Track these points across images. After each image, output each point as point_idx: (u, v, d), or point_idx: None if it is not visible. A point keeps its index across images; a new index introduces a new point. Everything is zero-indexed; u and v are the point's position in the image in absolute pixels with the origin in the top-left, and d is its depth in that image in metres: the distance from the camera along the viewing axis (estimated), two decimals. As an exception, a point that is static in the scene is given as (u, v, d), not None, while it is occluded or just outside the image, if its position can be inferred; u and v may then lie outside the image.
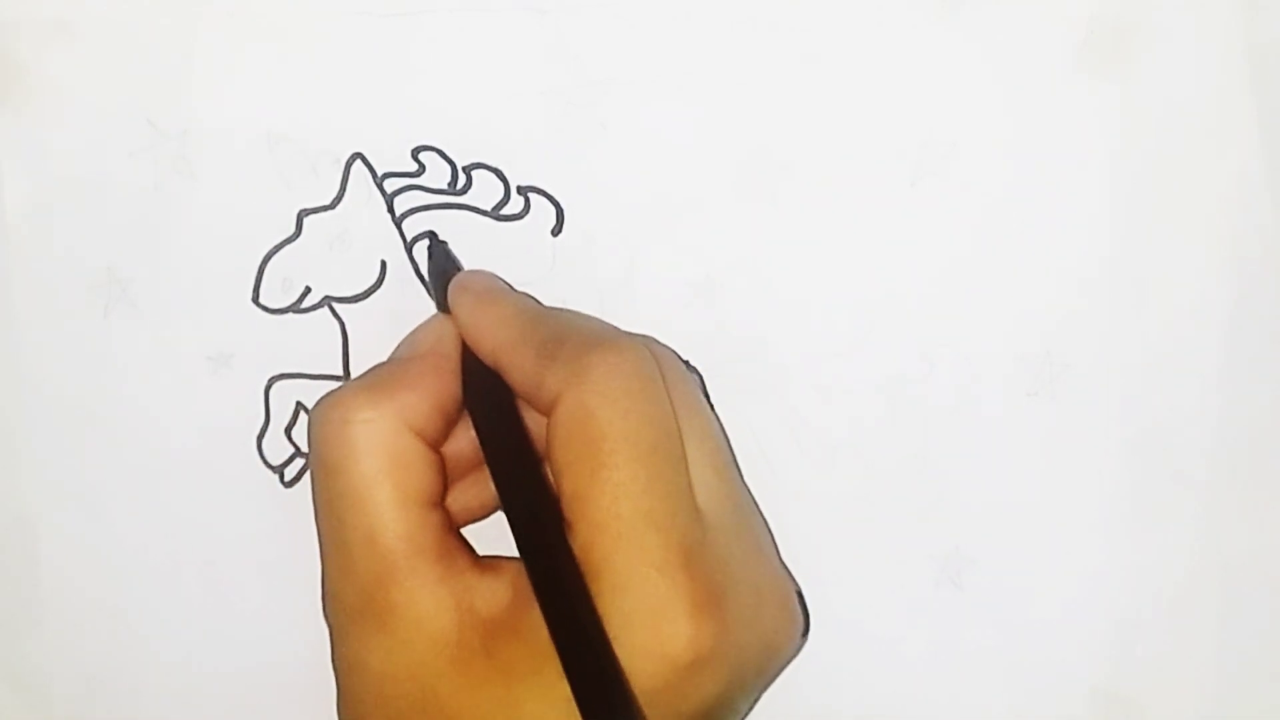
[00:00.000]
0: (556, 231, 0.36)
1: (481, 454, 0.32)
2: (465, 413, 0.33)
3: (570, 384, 0.30)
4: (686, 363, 0.36)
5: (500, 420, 0.32)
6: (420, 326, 0.34)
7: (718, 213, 0.36)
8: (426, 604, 0.30)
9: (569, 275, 0.36)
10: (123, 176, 0.36)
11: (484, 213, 0.36)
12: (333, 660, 0.31)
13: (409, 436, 0.31)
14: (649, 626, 0.28)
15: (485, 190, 0.36)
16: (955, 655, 0.37)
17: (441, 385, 0.32)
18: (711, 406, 0.36)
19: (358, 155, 0.36)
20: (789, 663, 0.33)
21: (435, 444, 0.31)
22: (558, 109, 0.36)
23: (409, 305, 0.36)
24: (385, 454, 0.30)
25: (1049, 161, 0.36)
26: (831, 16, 0.35)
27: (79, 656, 0.37)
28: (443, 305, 0.34)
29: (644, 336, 0.33)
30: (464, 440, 0.33)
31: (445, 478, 0.32)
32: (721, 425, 0.34)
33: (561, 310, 0.35)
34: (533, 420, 0.32)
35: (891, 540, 0.37)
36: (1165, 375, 0.36)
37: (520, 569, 0.30)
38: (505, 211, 0.36)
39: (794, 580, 0.34)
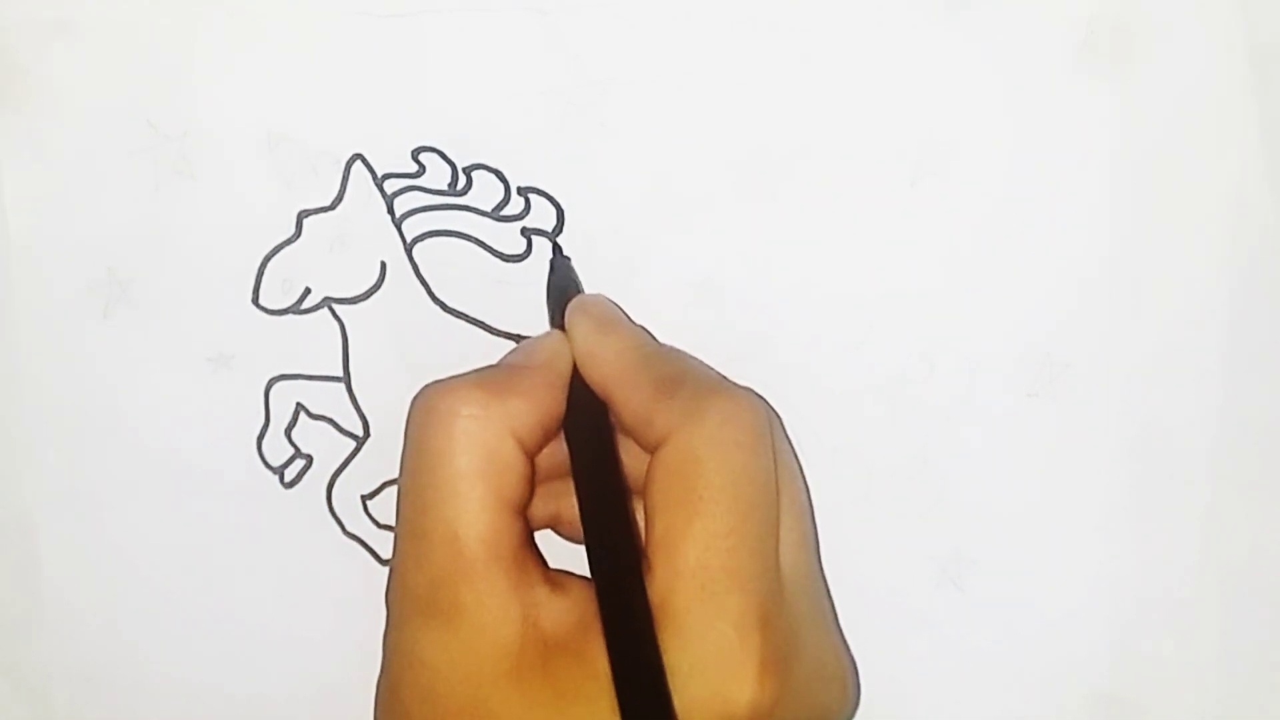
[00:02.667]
0: (557, 231, 0.36)
1: (558, 469, 0.32)
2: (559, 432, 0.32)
3: (682, 425, 0.30)
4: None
5: (597, 449, 0.31)
6: (537, 339, 0.34)
7: (718, 213, 0.36)
8: (494, 610, 0.29)
9: (569, 276, 0.36)
10: (123, 176, 0.36)
11: (484, 213, 0.36)
12: (384, 644, 0.31)
13: (510, 441, 0.30)
14: (715, 681, 0.28)
15: (485, 191, 0.36)
16: (956, 656, 0.37)
17: (550, 401, 0.31)
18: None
19: (358, 156, 0.36)
20: None
21: (530, 456, 0.31)
22: (558, 109, 0.36)
23: (409, 306, 0.36)
24: (485, 453, 0.30)
25: (1049, 161, 0.36)
26: (831, 16, 0.35)
27: (79, 656, 0.37)
28: (556, 321, 0.34)
29: (753, 391, 0.33)
30: (548, 454, 0.32)
31: (533, 489, 0.31)
32: (808, 490, 0.34)
33: (677, 350, 0.35)
34: (627, 456, 0.32)
35: (892, 541, 0.37)
36: (1165, 375, 0.36)
37: (589, 593, 0.30)
38: (505, 212, 0.36)
39: (852, 657, 0.34)
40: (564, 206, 0.36)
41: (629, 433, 0.32)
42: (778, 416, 0.34)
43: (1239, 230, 0.36)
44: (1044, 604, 0.37)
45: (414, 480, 0.30)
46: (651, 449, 0.30)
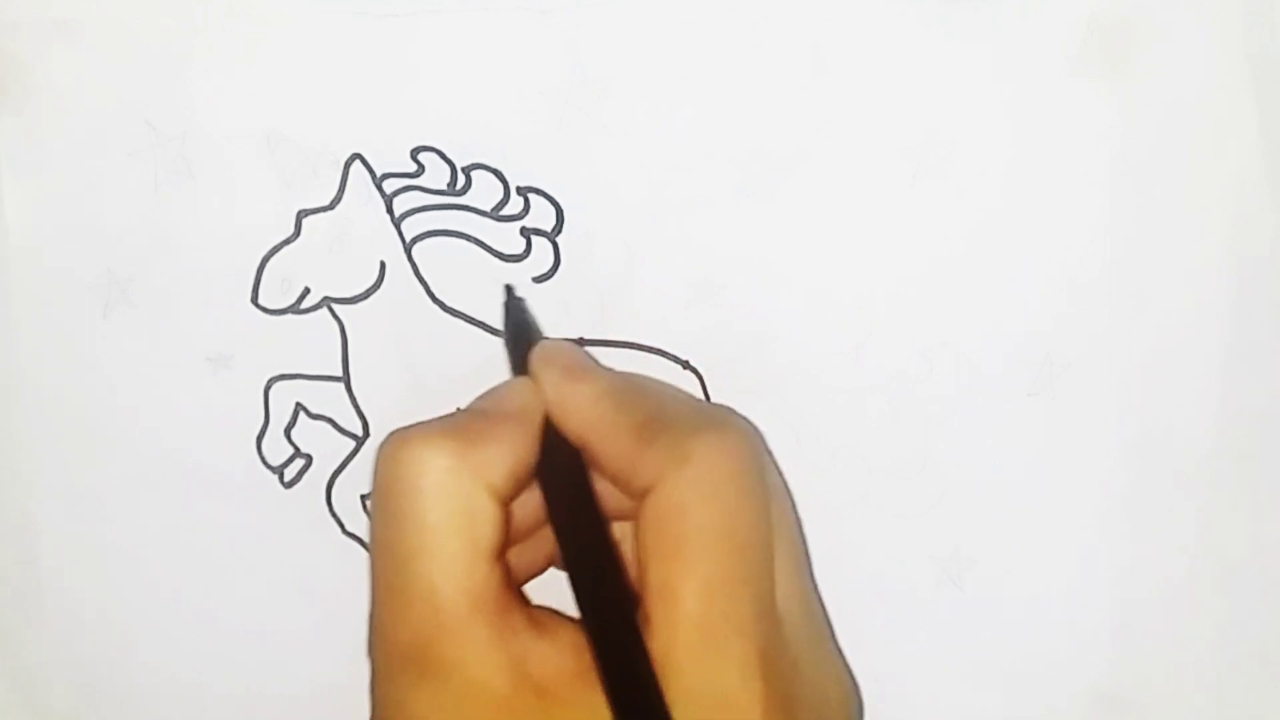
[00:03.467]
0: (556, 231, 0.36)
1: (537, 518, 0.32)
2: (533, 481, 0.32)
3: (667, 473, 0.29)
4: (685, 362, 0.36)
5: (575, 499, 0.31)
6: (505, 384, 0.33)
7: (718, 212, 0.36)
8: (481, 664, 0.29)
9: (569, 275, 0.36)
10: (122, 177, 0.36)
11: (483, 213, 0.36)
12: (372, 695, 0.31)
13: (483, 491, 0.30)
14: None
15: (485, 190, 0.36)
16: (956, 656, 0.37)
17: (522, 448, 0.31)
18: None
19: (357, 156, 0.36)
20: None
21: (504, 504, 0.31)
22: (558, 109, 0.36)
23: (408, 306, 0.36)
24: (460, 505, 0.29)
25: (1049, 161, 0.35)
26: (831, 17, 0.35)
27: (79, 656, 0.37)
28: (518, 366, 0.33)
29: (735, 419, 0.32)
30: (524, 505, 0.32)
31: (509, 535, 0.31)
32: (797, 513, 0.34)
33: (650, 384, 0.34)
34: (604, 488, 0.32)
35: (892, 540, 0.37)
36: (1165, 375, 0.36)
37: (578, 635, 0.29)
38: (505, 212, 0.36)
39: (851, 673, 0.34)
40: (564, 206, 0.36)
41: (613, 481, 0.31)
42: (761, 439, 0.33)
43: (1239, 230, 0.36)
44: (1044, 603, 0.37)
45: (387, 534, 0.30)
46: (638, 497, 0.30)
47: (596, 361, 0.35)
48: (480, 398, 0.33)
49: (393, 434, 0.30)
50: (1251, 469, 0.37)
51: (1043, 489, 0.37)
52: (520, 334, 0.34)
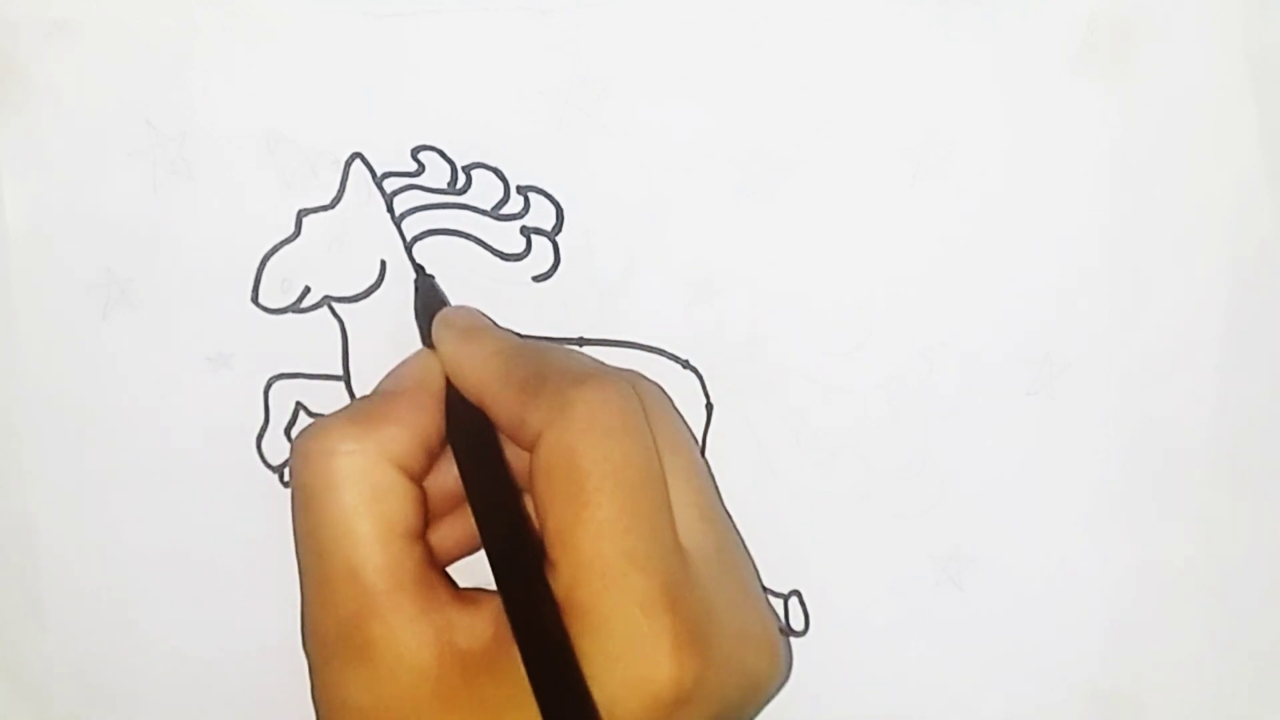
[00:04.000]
0: (556, 230, 0.36)
1: (460, 486, 0.32)
2: (449, 448, 0.33)
3: (552, 421, 0.30)
4: (685, 362, 0.36)
5: (482, 457, 0.32)
6: (406, 361, 0.34)
7: (718, 213, 0.36)
8: (406, 639, 0.30)
9: (569, 275, 0.36)
10: (122, 177, 0.36)
11: (484, 212, 0.36)
12: (312, 692, 0.31)
13: (391, 469, 0.31)
14: (633, 665, 0.29)
15: (485, 190, 0.36)
16: (955, 655, 0.37)
17: (425, 420, 0.32)
18: (710, 407, 0.36)
19: (357, 155, 0.36)
20: (771, 699, 0.33)
21: (417, 478, 0.32)
22: (558, 109, 0.36)
23: (409, 305, 0.36)
24: (367, 486, 0.30)
25: (1049, 161, 0.36)
26: (832, 17, 0.35)
27: (79, 656, 0.37)
28: (428, 340, 0.34)
29: (629, 371, 0.33)
30: (448, 476, 0.33)
31: (427, 511, 0.32)
32: (707, 463, 0.34)
33: (544, 345, 0.35)
34: (515, 455, 0.32)
35: (891, 540, 0.37)
36: (1164, 375, 0.36)
37: (501, 605, 0.30)
38: (505, 211, 0.36)
39: (779, 619, 0.34)
40: (564, 206, 0.36)
41: (508, 436, 0.32)
42: (661, 392, 0.34)
43: (1238, 230, 0.36)
44: (1043, 601, 0.37)
45: (305, 525, 0.31)
46: (529, 448, 0.30)
47: (494, 324, 0.35)
48: (385, 377, 0.34)
49: (301, 431, 0.32)
50: (1249, 468, 0.37)
51: (1042, 488, 0.37)
52: (428, 310, 0.35)
